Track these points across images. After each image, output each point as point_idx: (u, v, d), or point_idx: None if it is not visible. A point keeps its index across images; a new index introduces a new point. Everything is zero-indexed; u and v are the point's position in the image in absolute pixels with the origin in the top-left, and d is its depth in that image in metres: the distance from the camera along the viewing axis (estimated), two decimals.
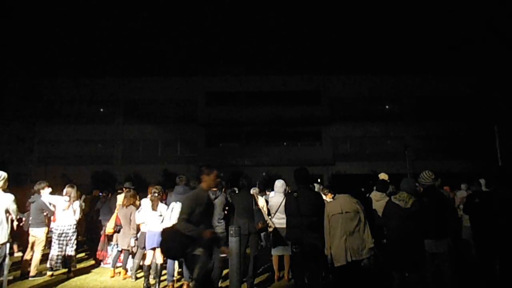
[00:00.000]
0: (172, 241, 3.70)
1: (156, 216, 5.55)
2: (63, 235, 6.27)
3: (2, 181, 4.60)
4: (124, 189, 6.86)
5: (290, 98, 26.27)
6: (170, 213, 5.33)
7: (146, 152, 26.35)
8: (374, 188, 5.76)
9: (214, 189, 5.45)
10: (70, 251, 6.31)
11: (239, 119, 25.65)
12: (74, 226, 6.42)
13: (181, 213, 3.74)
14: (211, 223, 3.93)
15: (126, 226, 6.13)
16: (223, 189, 6.41)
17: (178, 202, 5.38)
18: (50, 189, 6.67)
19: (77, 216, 6.52)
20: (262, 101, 26.13)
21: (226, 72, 27.40)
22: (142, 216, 5.73)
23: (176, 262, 5.72)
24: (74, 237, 6.41)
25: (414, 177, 5.08)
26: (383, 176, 6.20)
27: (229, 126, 26.34)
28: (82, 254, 8.41)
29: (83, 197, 10.67)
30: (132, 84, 26.75)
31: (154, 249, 5.57)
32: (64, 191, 6.51)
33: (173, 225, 3.95)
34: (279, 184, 6.01)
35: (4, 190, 4.68)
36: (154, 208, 5.59)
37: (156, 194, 5.66)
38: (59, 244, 6.23)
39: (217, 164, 23.03)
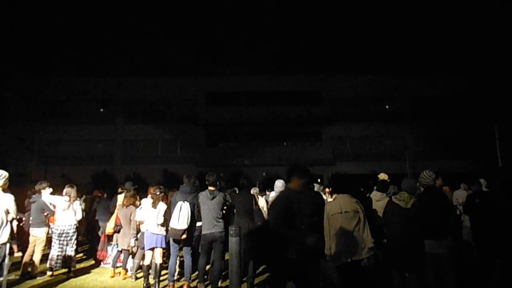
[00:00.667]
0: (265, 246, 3.52)
1: (154, 215, 5.53)
2: (63, 235, 6.26)
3: (3, 180, 4.60)
4: (123, 190, 6.86)
5: (290, 98, 26.28)
6: (178, 213, 5.28)
7: (146, 152, 26.35)
8: (375, 188, 5.76)
9: (212, 189, 5.44)
10: (70, 251, 6.31)
11: (239, 119, 25.66)
12: (75, 226, 6.42)
13: (275, 216, 3.58)
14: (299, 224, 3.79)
15: (126, 226, 6.13)
16: (221, 189, 6.40)
17: (186, 202, 5.36)
18: (51, 190, 6.67)
19: (79, 216, 6.53)
20: (262, 101, 26.14)
21: (226, 72, 27.40)
22: (142, 214, 5.73)
23: (178, 262, 5.72)
24: (75, 237, 6.41)
25: (414, 177, 5.08)
26: (383, 176, 6.19)
27: (229, 126, 26.35)
28: (81, 254, 8.42)
29: (84, 197, 10.67)
30: (132, 84, 26.75)
31: (153, 249, 5.56)
32: (64, 191, 6.51)
33: (264, 229, 3.73)
34: (280, 184, 6.00)
35: (4, 190, 4.68)
36: (154, 206, 5.58)
37: (158, 193, 5.65)
38: (59, 244, 6.23)
39: (217, 164, 23.15)
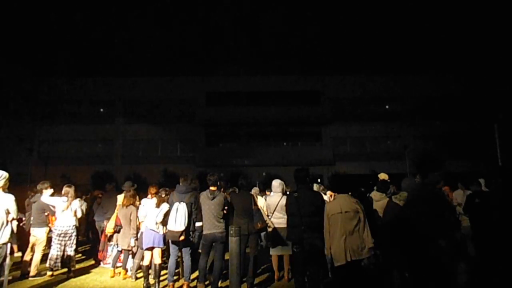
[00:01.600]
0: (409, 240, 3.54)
1: (155, 214, 5.53)
2: (62, 235, 6.24)
3: (3, 181, 4.59)
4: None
5: (290, 98, 26.28)
6: (175, 214, 5.24)
7: (146, 152, 26.35)
8: (375, 188, 5.75)
9: (213, 189, 5.44)
10: (70, 251, 6.30)
11: (239, 119, 25.65)
12: (74, 227, 6.40)
13: (417, 212, 3.62)
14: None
15: (126, 226, 6.13)
16: (221, 189, 6.40)
17: (182, 203, 5.34)
18: (51, 190, 6.65)
19: (79, 214, 6.52)
20: (262, 101, 26.14)
21: (226, 72, 27.42)
22: (143, 211, 5.73)
23: (177, 262, 5.72)
24: (73, 237, 6.39)
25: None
26: (383, 176, 6.18)
27: (229, 126, 26.34)
28: (82, 254, 8.42)
29: (84, 197, 10.65)
30: (132, 84, 26.76)
31: (151, 249, 5.55)
32: (62, 191, 6.48)
33: (405, 217, 3.75)
34: (276, 183, 6.00)
35: (4, 191, 4.67)
36: (158, 206, 5.59)
37: (164, 195, 5.66)
38: (59, 244, 6.22)
39: (217, 164, 23.14)
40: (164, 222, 5.51)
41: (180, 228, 5.21)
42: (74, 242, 6.41)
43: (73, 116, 26.35)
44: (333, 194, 6.27)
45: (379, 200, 5.29)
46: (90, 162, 24.95)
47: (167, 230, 5.38)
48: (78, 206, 6.54)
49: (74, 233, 6.41)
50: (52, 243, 6.27)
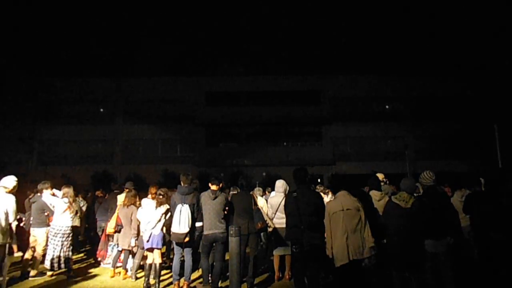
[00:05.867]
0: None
1: (154, 217, 5.52)
2: (59, 235, 6.21)
3: (13, 184, 4.66)
4: (125, 189, 6.84)
5: (290, 98, 26.27)
6: (178, 217, 5.22)
7: (146, 152, 26.33)
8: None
9: (215, 188, 5.43)
10: (68, 251, 6.29)
11: (239, 119, 25.65)
12: (70, 227, 6.36)
13: None
14: None
15: (127, 226, 6.12)
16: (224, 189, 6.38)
17: (185, 204, 5.32)
18: (51, 191, 6.63)
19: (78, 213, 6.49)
20: (262, 101, 26.13)
21: (226, 72, 27.40)
22: (142, 214, 5.71)
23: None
24: (70, 237, 6.37)
25: (414, 177, 5.06)
26: (378, 175, 6.20)
27: (229, 126, 26.34)
28: (82, 254, 8.42)
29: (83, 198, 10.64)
30: (132, 84, 26.73)
31: (152, 249, 5.55)
32: (61, 192, 6.45)
33: None
34: (280, 184, 6.00)
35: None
36: (156, 207, 5.57)
37: (161, 196, 5.65)
38: (57, 244, 6.20)
39: (217, 164, 23.13)
40: (165, 224, 5.51)
41: (185, 230, 5.21)
42: (71, 241, 6.39)
43: (73, 116, 26.28)
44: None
45: (380, 200, 5.29)
46: (90, 162, 24.92)
47: (171, 232, 5.36)
48: (80, 206, 6.53)
49: (71, 233, 6.39)
50: (49, 243, 6.25)
